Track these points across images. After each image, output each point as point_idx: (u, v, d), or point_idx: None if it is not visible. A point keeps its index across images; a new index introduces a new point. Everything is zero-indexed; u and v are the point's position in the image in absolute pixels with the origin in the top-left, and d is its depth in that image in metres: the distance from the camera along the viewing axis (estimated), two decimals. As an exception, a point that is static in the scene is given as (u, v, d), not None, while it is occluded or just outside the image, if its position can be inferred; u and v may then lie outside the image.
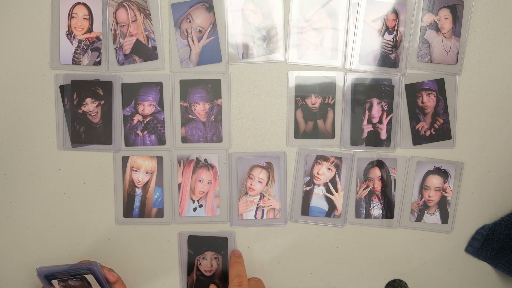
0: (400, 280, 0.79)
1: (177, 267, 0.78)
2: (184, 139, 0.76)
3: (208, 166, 0.76)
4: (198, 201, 0.77)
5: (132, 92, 0.75)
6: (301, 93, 0.76)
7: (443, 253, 0.79)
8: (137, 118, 0.75)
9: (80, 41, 0.74)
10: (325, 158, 0.76)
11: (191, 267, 0.78)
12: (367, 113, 0.76)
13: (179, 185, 0.76)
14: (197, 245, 0.77)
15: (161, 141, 0.76)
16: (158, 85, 0.75)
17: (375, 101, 0.76)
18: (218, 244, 0.77)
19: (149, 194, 0.77)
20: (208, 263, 0.78)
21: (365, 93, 0.76)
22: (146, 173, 0.76)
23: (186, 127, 0.76)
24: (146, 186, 0.76)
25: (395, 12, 0.75)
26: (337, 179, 0.77)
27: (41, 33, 0.74)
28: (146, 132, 0.76)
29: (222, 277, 0.78)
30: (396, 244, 0.79)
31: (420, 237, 0.79)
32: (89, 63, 0.74)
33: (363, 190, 0.77)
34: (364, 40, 0.75)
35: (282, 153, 0.76)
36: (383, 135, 0.77)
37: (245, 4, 0.74)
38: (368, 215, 0.78)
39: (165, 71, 0.75)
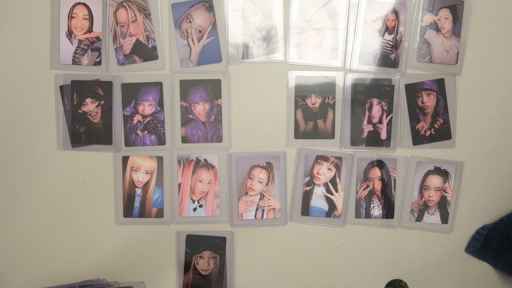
0: (400, 280, 0.79)
1: (176, 267, 0.78)
2: (184, 139, 0.76)
3: (208, 166, 0.76)
4: (198, 201, 0.77)
5: (132, 92, 0.75)
6: (301, 93, 0.76)
7: (443, 253, 0.79)
8: (137, 118, 0.75)
9: (80, 41, 0.74)
10: (325, 158, 0.76)
11: (188, 266, 0.78)
12: (367, 113, 0.76)
13: (179, 185, 0.76)
14: (195, 244, 0.77)
15: (161, 141, 0.76)
16: (158, 85, 0.75)
17: (375, 101, 0.76)
18: (216, 243, 0.77)
19: (149, 194, 0.77)
20: (205, 262, 0.78)
21: (365, 93, 0.76)
22: (146, 173, 0.76)
23: (186, 127, 0.76)
24: (146, 186, 0.76)
25: (395, 12, 0.75)
26: (337, 179, 0.77)
27: (41, 33, 0.74)
28: (146, 132, 0.76)
29: (219, 276, 0.78)
30: (396, 244, 0.79)
31: (420, 237, 0.79)
32: (89, 63, 0.74)
33: (363, 190, 0.77)
34: (364, 40, 0.75)
35: (282, 153, 0.76)
36: (383, 135, 0.77)
37: (245, 4, 0.74)
38: (368, 215, 0.78)
39: (165, 71, 0.75)
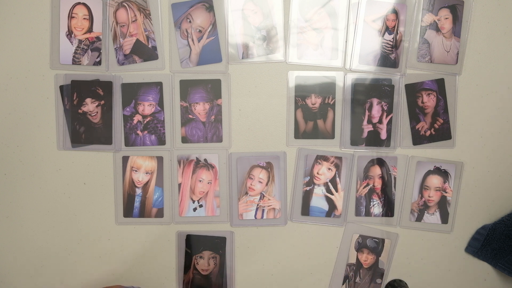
0: (400, 280, 0.79)
1: (176, 267, 0.78)
2: (184, 139, 0.76)
3: (208, 166, 0.76)
4: (198, 201, 0.77)
5: (132, 92, 0.75)
6: (301, 93, 0.76)
7: (443, 253, 0.79)
8: (137, 118, 0.75)
9: (80, 41, 0.74)
10: (325, 158, 0.76)
11: (188, 266, 0.78)
12: (367, 113, 0.76)
13: (179, 185, 0.76)
14: (195, 244, 0.77)
15: (161, 141, 0.76)
16: (158, 85, 0.75)
17: (375, 101, 0.76)
18: (216, 243, 0.77)
19: (149, 194, 0.77)
20: (205, 262, 0.78)
21: (365, 93, 0.76)
22: (146, 173, 0.76)
23: (186, 127, 0.76)
24: (146, 186, 0.76)
25: (395, 12, 0.75)
26: (337, 179, 0.77)
27: (41, 33, 0.74)
28: (146, 132, 0.76)
29: (219, 276, 0.78)
30: (396, 244, 0.79)
31: (420, 237, 0.79)
32: (89, 63, 0.74)
33: (363, 188, 0.77)
34: (364, 40, 0.75)
35: (282, 153, 0.76)
36: (383, 135, 0.77)
37: (245, 4, 0.74)
38: (368, 213, 0.78)
39: (165, 71, 0.75)
